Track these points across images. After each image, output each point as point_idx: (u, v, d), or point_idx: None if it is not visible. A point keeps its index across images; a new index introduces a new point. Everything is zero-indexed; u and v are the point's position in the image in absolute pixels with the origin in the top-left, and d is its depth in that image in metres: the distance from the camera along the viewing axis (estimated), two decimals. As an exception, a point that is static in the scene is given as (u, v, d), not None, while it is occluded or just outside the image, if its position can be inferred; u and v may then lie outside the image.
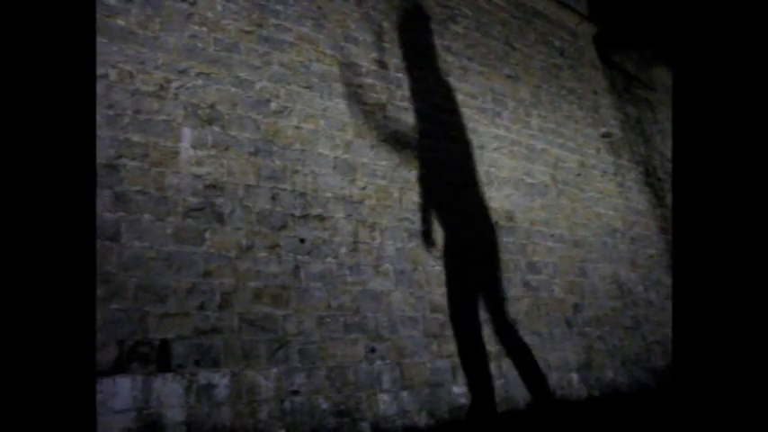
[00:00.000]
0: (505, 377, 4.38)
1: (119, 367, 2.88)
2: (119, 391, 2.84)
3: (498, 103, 5.70)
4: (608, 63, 7.98)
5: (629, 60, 8.71)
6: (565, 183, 5.96)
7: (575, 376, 4.94)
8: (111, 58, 3.40)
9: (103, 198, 3.11)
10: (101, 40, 3.40)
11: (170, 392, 2.98)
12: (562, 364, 4.89)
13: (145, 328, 3.01)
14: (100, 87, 3.30)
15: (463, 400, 4.05)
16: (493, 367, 4.33)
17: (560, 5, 7.33)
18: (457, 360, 4.14)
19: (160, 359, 3.01)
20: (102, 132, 3.22)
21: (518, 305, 4.77)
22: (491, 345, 4.39)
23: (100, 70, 3.34)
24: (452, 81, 5.35)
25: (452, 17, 5.75)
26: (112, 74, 3.38)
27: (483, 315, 4.41)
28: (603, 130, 6.96)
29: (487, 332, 4.39)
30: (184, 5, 3.85)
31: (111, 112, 3.29)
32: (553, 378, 4.75)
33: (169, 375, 3.00)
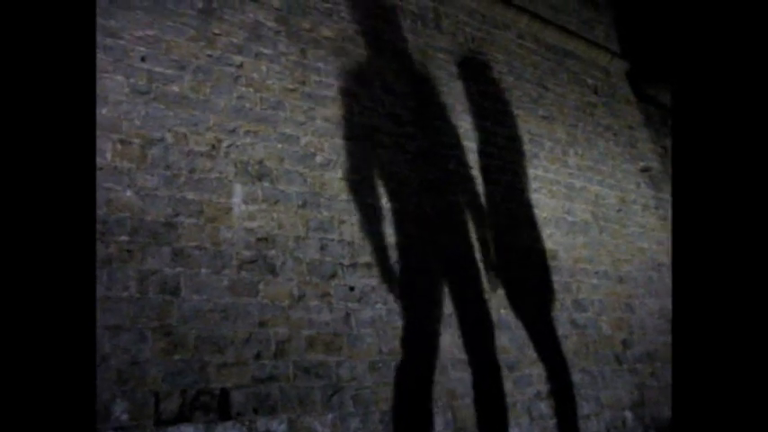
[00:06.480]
0: (558, 417, 4.37)
1: (182, 416, 2.99)
2: (183, 440, 2.95)
3: (535, 144, 5.80)
4: (642, 98, 8.02)
5: (664, 93, 8.73)
6: (606, 219, 5.97)
7: (628, 414, 4.88)
8: (167, 123, 3.62)
9: (163, 255, 3.28)
10: (158, 107, 3.63)
11: (231, 440, 3.08)
12: (614, 402, 4.85)
13: (206, 378, 3.14)
14: (158, 150, 3.51)
15: (516, 442, 4.05)
16: (544, 407, 4.32)
17: (591, 44, 7.44)
18: (510, 401, 4.16)
19: (221, 407, 3.12)
20: (161, 192, 3.42)
21: (566, 343, 4.77)
22: (542, 384, 4.39)
23: (156, 134, 3.55)
24: (489, 125, 5.48)
25: (485, 63, 5.91)
26: (168, 137, 3.59)
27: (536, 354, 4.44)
28: (642, 164, 6.97)
29: (538, 372, 4.40)
30: (232, 69, 4.07)
31: (168, 173, 3.49)
32: (606, 417, 4.70)
33: (229, 423, 3.11)
